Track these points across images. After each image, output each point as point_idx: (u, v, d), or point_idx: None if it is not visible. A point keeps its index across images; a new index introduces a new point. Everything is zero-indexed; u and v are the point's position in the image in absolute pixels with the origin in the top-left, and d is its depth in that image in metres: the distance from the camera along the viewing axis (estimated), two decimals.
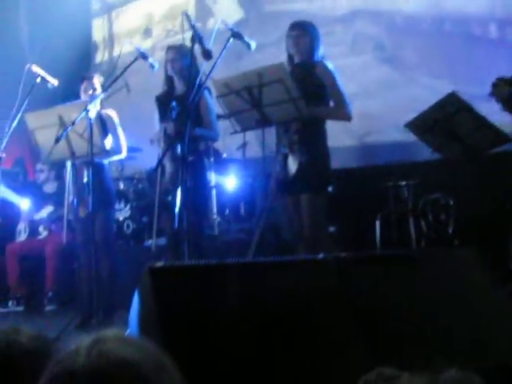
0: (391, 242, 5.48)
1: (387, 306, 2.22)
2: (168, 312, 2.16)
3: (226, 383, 2.14)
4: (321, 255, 2.60)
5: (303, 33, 4.40)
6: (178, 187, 4.04)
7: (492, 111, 4.11)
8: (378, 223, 5.57)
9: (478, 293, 2.46)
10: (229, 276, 2.21)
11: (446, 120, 3.98)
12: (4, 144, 4.57)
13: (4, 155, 4.57)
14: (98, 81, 5.00)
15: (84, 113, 4.31)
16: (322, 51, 4.46)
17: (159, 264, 2.44)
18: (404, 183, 5.55)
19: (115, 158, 5.11)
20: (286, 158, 4.32)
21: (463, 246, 4.31)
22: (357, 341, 2.15)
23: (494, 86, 3.86)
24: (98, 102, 4.68)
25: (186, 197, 4.02)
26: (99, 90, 4.94)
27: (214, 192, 5.92)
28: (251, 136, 5.60)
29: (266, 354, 2.16)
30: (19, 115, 4.53)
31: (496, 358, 2.20)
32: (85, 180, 4.67)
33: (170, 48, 4.80)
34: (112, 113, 5.01)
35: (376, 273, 2.33)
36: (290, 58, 4.46)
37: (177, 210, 3.92)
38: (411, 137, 4.51)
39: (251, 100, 4.12)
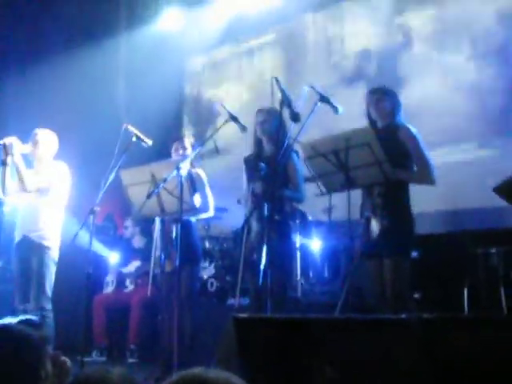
0: (480, 311, 5.30)
1: (473, 370, 2.17)
2: (249, 360, 2.19)
3: None
4: (404, 315, 2.56)
5: (384, 97, 4.46)
6: (263, 246, 4.10)
7: None
8: (465, 291, 5.42)
9: None
10: (310, 332, 2.22)
11: None
12: (99, 198, 4.77)
13: (99, 209, 4.75)
14: (188, 141, 5.21)
15: (175, 171, 4.47)
16: (403, 115, 4.49)
17: (243, 315, 2.48)
18: (494, 250, 5.40)
19: (203, 215, 5.23)
20: (369, 221, 4.32)
21: None
22: None
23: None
24: (188, 161, 4.84)
25: (271, 255, 4.07)
26: (190, 149, 5.13)
27: (298, 254, 5.94)
28: (337, 199, 5.63)
29: None
30: (114, 172, 4.74)
31: None
32: (173, 235, 4.80)
33: (259, 110, 4.94)
34: (201, 172, 5.17)
35: (461, 335, 2.28)
36: (372, 121, 4.50)
37: (262, 267, 3.96)
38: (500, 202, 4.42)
39: (338, 163, 4.17)
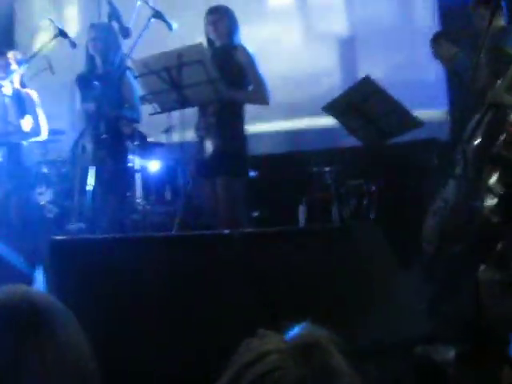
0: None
1: (278, 276, 2.25)
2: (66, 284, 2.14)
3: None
4: (227, 231, 2.60)
5: (221, 17, 4.41)
6: (94, 168, 3.99)
7: None
8: (301, 208, 5.61)
9: (376, 267, 2.51)
10: (124, 249, 2.19)
11: (360, 103, 4.05)
12: None
13: None
14: (12, 57, 4.86)
15: None
16: (240, 34, 4.47)
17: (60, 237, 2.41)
18: (328, 169, 5.61)
19: (35, 139, 4.98)
20: (203, 140, 4.31)
21: (372, 222, 4.41)
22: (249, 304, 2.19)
23: (435, 42, 3.93)
24: (14, 79, 4.55)
25: (103, 176, 3.97)
26: (15, 66, 4.80)
27: (138, 176, 5.83)
28: (177, 120, 5.56)
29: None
30: None
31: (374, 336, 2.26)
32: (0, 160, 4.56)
33: (91, 26, 4.71)
34: (32, 93, 4.89)
35: (277, 247, 2.35)
36: (210, 42, 4.45)
37: (90, 188, 3.85)
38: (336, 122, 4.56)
39: (170, 80, 4.08)
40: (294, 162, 6.02)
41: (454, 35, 4.00)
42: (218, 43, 4.43)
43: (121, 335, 2.18)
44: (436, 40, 3.96)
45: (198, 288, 2.39)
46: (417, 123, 4.13)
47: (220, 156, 4.22)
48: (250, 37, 4.35)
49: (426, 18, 5.70)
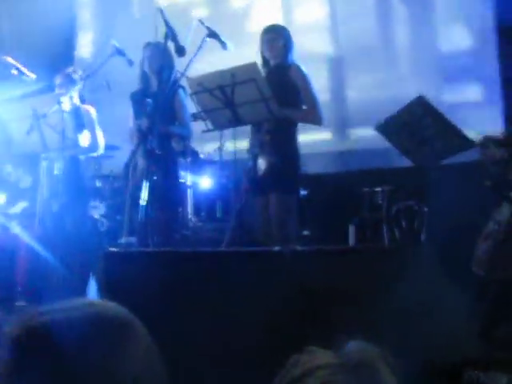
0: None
1: (328, 294, 2.25)
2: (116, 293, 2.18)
3: None
4: (277, 247, 2.62)
5: (277, 36, 4.45)
6: (147, 184, 4.04)
7: None
8: (351, 228, 5.58)
9: (427, 289, 2.48)
10: (175, 262, 2.22)
11: (413, 123, 4.02)
12: None
13: None
14: (72, 73, 5.00)
15: (57, 105, 4.32)
16: (295, 54, 4.50)
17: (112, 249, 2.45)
18: (379, 189, 5.57)
19: (91, 154, 5.10)
20: (256, 158, 4.34)
21: (423, 243, 4.35)
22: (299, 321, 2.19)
23: (483, 146, 3.90)
24: (74, 95, 4.68)
25: (154, 192, 4.03)
26: (74, 82, 4.93)
27: (190, 192, 5.90)
28: (229, 137, 5.61)
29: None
30: None
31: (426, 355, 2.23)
32: (58, 173, 4.68)
33: (147, 45, 4.82)
34: (90, 109, 5.01)
35: (327, 265, 2.35)
36: (265, 60, 4.50)
37: (143, 202, 3.91)
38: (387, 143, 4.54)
39: (224, 99, 4.13)
40: (344, 181, 6.00)
41: (503, 140, 3.94)
42: (272, 62, 4.48)
43: (173, 347, 2.21)
44: (484, 143, 3.91)
45: (247, 303, 2.40)
46: (470, 144, 4.07)
47: (273, 173, 4.25)
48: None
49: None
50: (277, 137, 4.31)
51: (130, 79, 5.22)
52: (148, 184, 4.08)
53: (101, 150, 5.07)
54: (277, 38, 4.45)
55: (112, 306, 1.10)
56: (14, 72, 4.67)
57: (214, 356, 2.15)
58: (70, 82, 4.92)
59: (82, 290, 4.88)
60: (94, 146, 4.95)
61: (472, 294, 3.57)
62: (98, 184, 6.46)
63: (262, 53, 4.51)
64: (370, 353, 1.01)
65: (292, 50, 4.48)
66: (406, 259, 2.73)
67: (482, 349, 2.63)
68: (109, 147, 5.48)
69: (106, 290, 2.33)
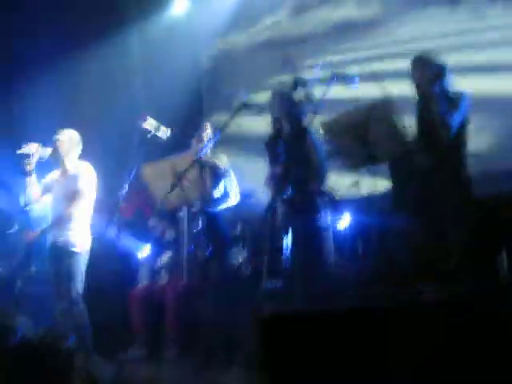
0: None
1: None
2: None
3: None
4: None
5: (425, 64, 4.32)
6: (288, 229, 4.06)
7: None
8: (504, 257, 5.26)
9: None
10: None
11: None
12: (124, 194, 4.76)
13: (124, 204, 4.75)
14: (208, 130, 5.15)
15: (196, 162, 4.45)
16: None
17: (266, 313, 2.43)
18: None
19: (225, 205, 5.22)
20: None
21: None
22: None
23: None
24: (209, 149, 4.81)
25: (296, 236, 4.03)
26: (210, 137, 5.08)
27: (330, 232, 5.84)
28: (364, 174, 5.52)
29: None
30: (135, 168, 4.74)
31: None
32: (199, 227, 4.81)
33: (274, 92, 4.87)
34: (222, 159, 5.14)
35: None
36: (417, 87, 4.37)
37: (287, 251, 3.92)
38: None
39: (358, 137, 4.09)
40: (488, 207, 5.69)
41: None
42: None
43: None
44: None
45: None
46: None
47: None
48: None
49: None
50: None
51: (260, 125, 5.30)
52: (289, 230, 4.09)
53: (234, 200, 5.19)
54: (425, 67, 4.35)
55: None
56: (150, 136, 4.87)
57: None
58: (207, 139, 5.06)
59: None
60: (227, 196, 5.07)
61: None
62: (238, 228, 6.57)
63: (412, 78, 4.40)
64: None
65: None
66: None
67: None
68: (245, 195, 5.57)
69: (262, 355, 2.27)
